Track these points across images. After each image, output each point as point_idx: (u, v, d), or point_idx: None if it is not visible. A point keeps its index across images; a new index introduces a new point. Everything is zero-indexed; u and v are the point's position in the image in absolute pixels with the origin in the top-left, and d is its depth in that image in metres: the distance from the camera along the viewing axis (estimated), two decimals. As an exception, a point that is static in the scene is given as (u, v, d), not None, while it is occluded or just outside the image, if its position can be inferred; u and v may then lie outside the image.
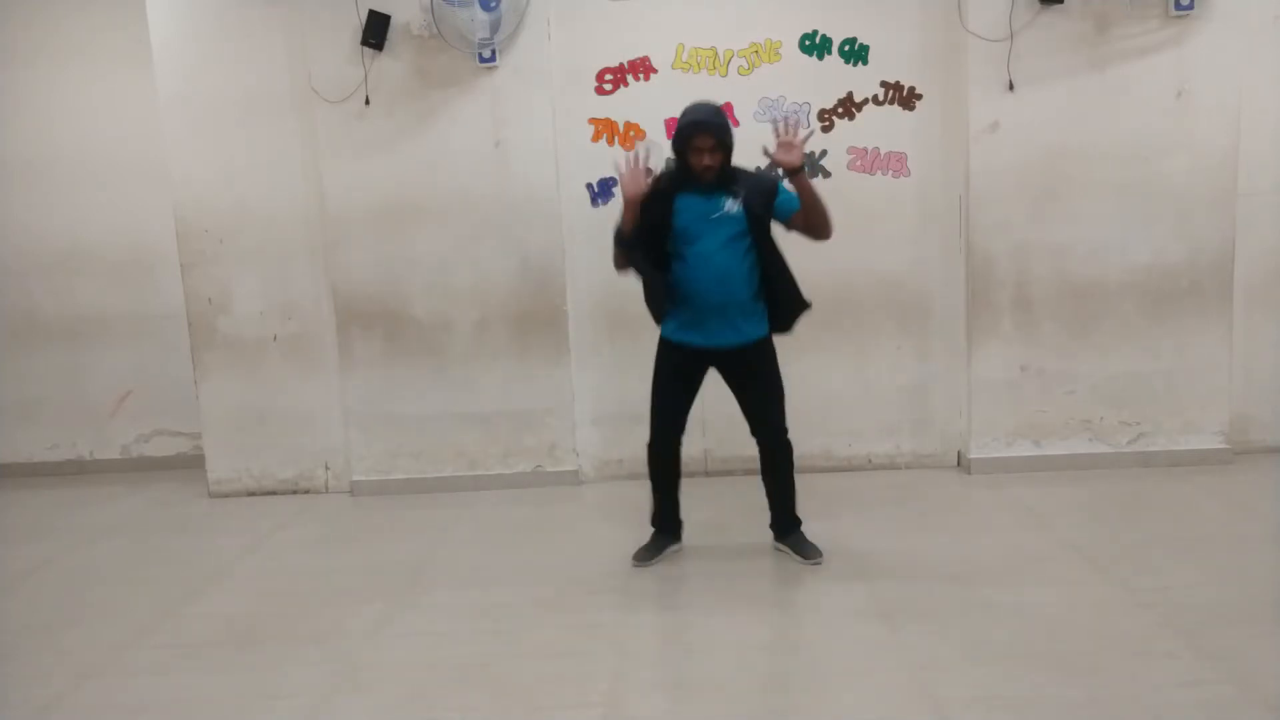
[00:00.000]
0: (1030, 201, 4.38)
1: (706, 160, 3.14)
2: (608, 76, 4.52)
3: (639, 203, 3.19)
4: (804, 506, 4.16)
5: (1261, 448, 4.63)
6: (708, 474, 4.66)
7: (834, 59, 4.48)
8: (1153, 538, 3.60)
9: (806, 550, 3.50)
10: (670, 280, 3.27)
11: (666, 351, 3.40)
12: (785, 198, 3.27)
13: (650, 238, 3.23)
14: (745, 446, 4.65)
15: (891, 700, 2.54)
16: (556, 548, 3.81)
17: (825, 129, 4.51)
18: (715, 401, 4.31)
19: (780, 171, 3.22)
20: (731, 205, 3.19)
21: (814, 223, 3.24)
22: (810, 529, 3.88)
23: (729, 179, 3.21)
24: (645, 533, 3.62)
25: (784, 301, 3.35)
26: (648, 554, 3.52)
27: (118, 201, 5.18)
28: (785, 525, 3.58)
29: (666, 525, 3.59)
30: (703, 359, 3.37)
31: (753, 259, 3.26)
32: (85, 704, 2.75)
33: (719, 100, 4.43)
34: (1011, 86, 4.31)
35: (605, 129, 4.54)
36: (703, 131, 3.12)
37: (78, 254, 5.25)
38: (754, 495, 4.32)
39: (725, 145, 3.17)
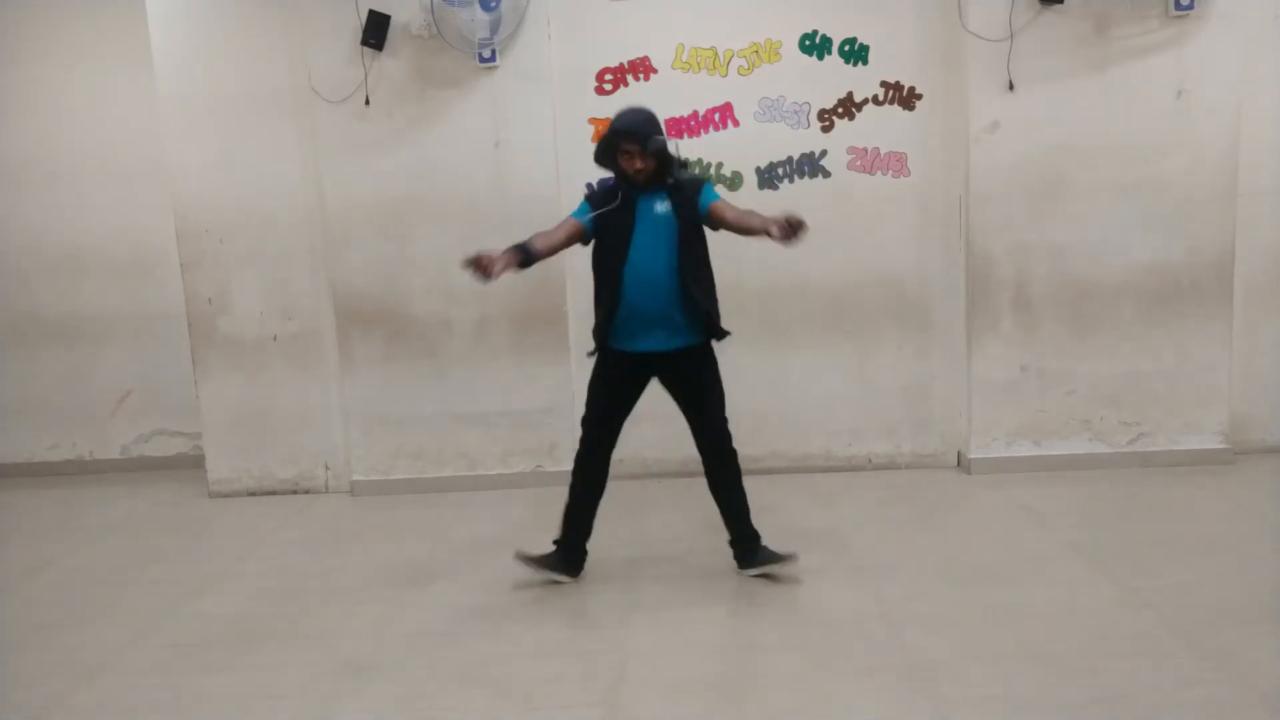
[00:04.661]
0: (1030, 201, 4.38)
1: (638, 164, 3.15)
2: (608, 76, 4.52)
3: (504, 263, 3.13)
4: (805, 506, 4.18)
5: (1261, 448, 4.63)
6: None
7: (834, 59, 4.49)
8: (1153, 538, 3.60)
9: (776, 556, 3.37)
10: (612, 293, 3.24)
11: (605, 360, 3.33)
12: (707, 195, 3.25)
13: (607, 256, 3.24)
14: (745, 446, 4.66)
15: (891, 700, 2.54)
16: (556, 548, 3.81)
17: (825, 129, 4.52)
18: (715, 401, 4.31)
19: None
20: (661, 206, 3.21)
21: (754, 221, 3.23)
22: (811, 529, 3.88)
23: (664, 182, 3.21)
24: (643, 530, 3.60)
25: (697, 316, 3.26)
26: (530, 561, 3.40)
27: (118, 201, 5.19)
28: (747, 546, 3.40)
29: (570, 550, 3.42)
30: (644, 366, 3.31)
31: (685, 265, 3.21)
32: (85, 704, 2.75)
33: (719, 100, 4.50)
34: (1011, 86, 4.32)
35: (605, 129, 4.53)
36: (627, 139, 3.14)
37: (79, 254, 5.25)
38: (754, 495, 4.31)
39: (654, 153, 3.14)
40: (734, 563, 3.44)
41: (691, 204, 3.22)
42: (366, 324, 4.62)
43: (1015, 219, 4.39)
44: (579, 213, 3.30)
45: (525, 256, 3.14)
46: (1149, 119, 4.31)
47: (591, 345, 3.36)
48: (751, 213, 3.25)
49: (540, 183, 4.50)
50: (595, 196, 3.32)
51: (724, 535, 3.80)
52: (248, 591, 3.55)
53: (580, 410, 4.50)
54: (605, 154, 3.23)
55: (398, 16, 4.38)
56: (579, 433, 4.66)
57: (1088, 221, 4.37)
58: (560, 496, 4.46)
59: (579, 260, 4.51)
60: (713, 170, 4.54)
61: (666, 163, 3.19)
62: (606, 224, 3.23)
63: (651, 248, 3.20)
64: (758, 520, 3.41)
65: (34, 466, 5.41)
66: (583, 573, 3.45)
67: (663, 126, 3.23)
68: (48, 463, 5.42)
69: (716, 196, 3.28)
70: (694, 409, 3.36)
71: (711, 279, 3.33)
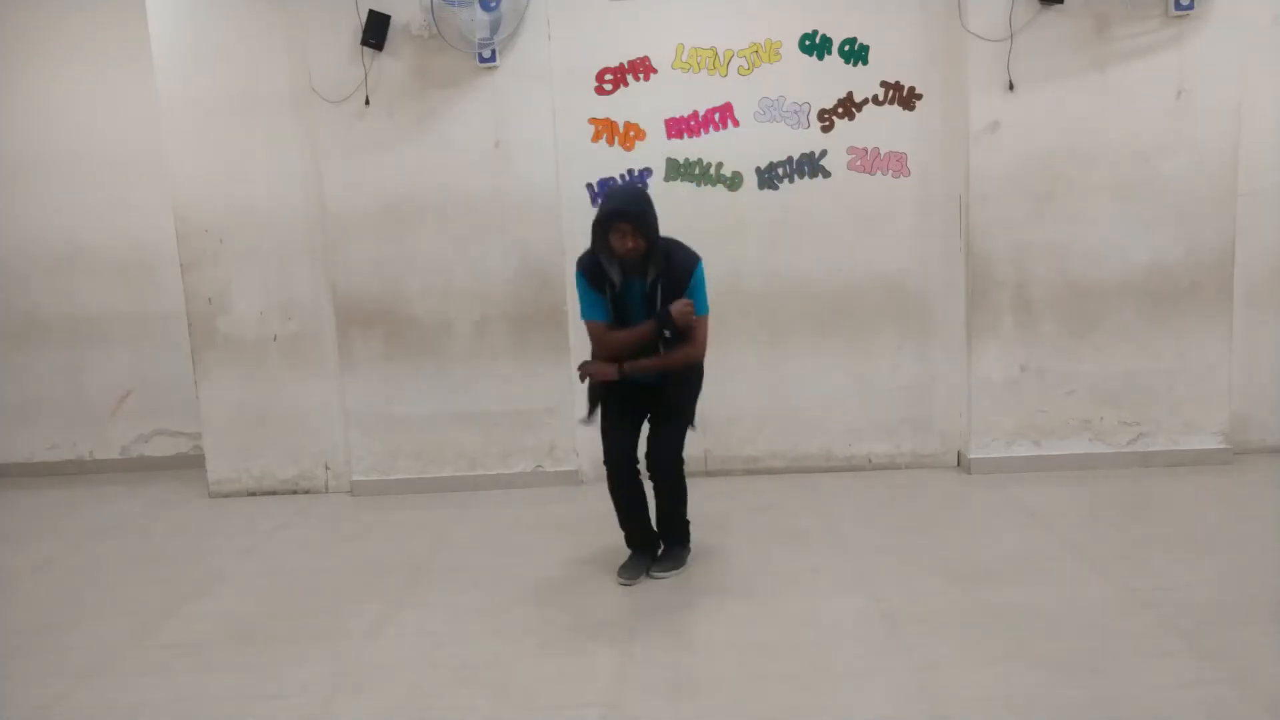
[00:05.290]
0: (1030, 201, 4.38)
1: (630, 244, 3.14)
2: (608, 76, 4.52)
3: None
4: (805, 506, 4.19)
5: (1261, 448, 4.63)
6: (708, 474, 4.65)
7: (834, 59, 4.48)
8: (1153, 538, 3.60)
9: (664, 563, 3.47)
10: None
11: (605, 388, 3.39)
12: (693, 295, 3.24)
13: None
14: (745, 446, 4.70)
15: (891, 700, 2.54)
16: (556, 548, 3.81)
17: (825, 129, 4.52)
18: (715, 402, 4.33)
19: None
20: (649, 281, 3.23)
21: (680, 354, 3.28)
22: (811, 529, 3.89)
23: (655, 260, 3.20)
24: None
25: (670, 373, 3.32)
26: (630, 572, 3.46)
27: (118, 201, 5.19)
28: (667, 550, 3.52)
29: (640, 545, 3.51)
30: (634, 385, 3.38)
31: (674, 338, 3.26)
32: (85, 704, 2.74)
33: (719, 100, 4.50)
34: (1011, 86, 4.32)
35: (605, 129, 4.54)
36: (620, 220, 3.13)
37: (78, 254, 5.25)
38: (754, 495, 4.35)
39: (645, 232, 3.14)
40: (729, 565, 3.44)
41: (679, 289, 3.21)
42: (366, 324, 4.62)
43: (1015, 219, 4.39)
44: (592, 310, 3.30)
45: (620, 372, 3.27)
46: (1149, 119, 4.31)
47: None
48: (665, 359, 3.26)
49: (540, 183, 4.50)
50: (589, 271, 3.27)
51: (723, 535, 3.81)
52: (248, 591, 3.55)
53: (579, 410, 4.53)
54: (599, 234, 3.20)
55: (398, 16, 4.38)
56: (579, 433, 4.69)
57: (1088, 222, 4.37)
58: (561, 496, 4.50)
59: (579, 260, 4.53)
60: (712, 170, 4.54)
61: (656, 247, 3.19)
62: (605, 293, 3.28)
63: (638, 319, 3.27)
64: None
65: (34, 466, 5.41)
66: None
67: (654, 205, 3.21)
68: (48, 463, 5.42)
69: (700, 311, 3.25)
70: (655, 419, 3.40)
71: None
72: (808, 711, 2.51)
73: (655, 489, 3.46)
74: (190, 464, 5.19)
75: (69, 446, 5.42)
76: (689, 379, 3.39)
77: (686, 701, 2.58)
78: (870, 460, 4.69)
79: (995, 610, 3.02)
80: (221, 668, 2.92)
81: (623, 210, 3.13)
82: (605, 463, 3.40)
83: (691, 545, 3.58)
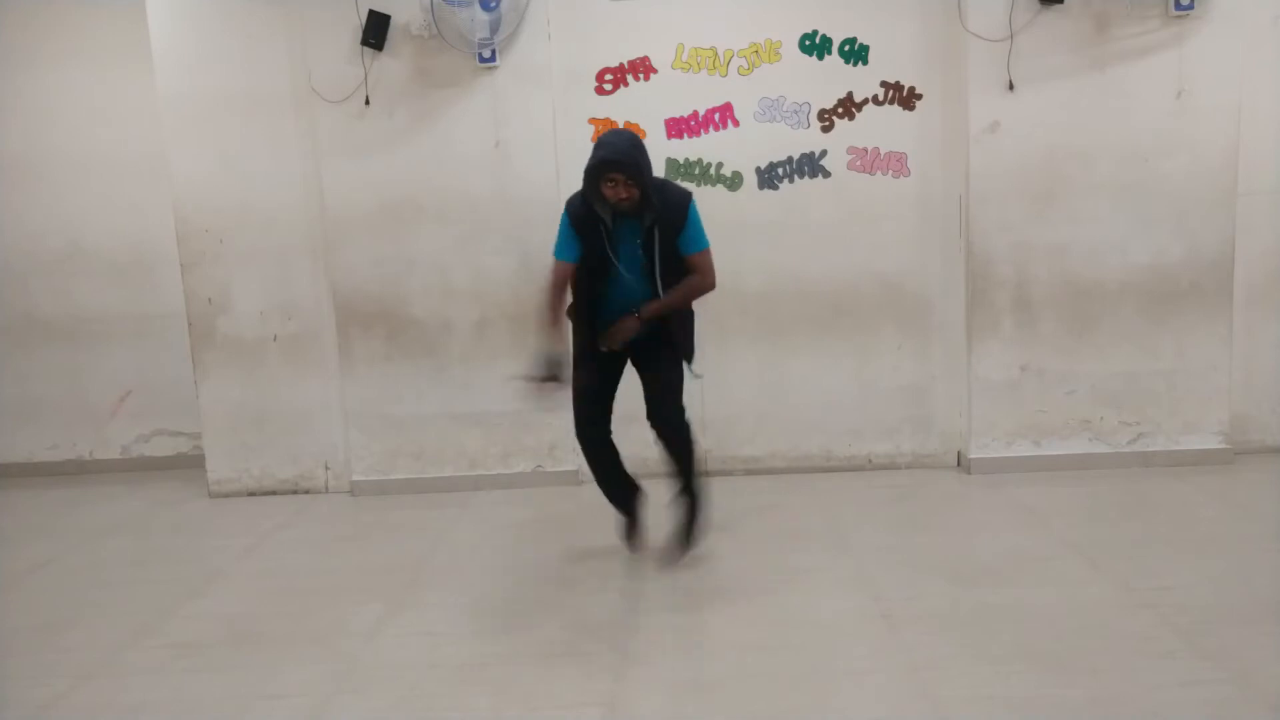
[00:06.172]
0: (1030, 201, 4.38)
1: (623, 193, 3.13)
2: (608, 76, 4.52)
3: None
4: (805, 506, 4.19)
5: (1261, 448, 4.63)
6: (708, 474, 4.64)
7: (834, 59, 4.49)
8: (1153, 538, 3.60)
9: (683, 537, 3.48)
10: (593, 305, 3.36)
11: (580, 342, 3.41)
12: (689, 235, 3.25)
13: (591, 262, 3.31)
14: (745, 446, 4.70)
15: (891, 700, 2.54)
16: (556, 547, 3.81)
17: (825, 129, 4.52)
18: (715, 402, 4.34)
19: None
20: (643, 222, 3.24)
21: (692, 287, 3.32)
22: (811, 528, 3.89)
23: (648, 205, 3.19)
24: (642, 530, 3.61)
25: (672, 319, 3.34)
26: (632, 536, 3.52)
27: (118, 201, 5.19)
28: (687, 516, 3.51)
29: (630, 505, 3.55)
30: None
31: (665, 276, 3.28)
32: (85, 704, 2.74)
33: (719, 100, 4.50)
34: (1011, 86, 4.32)
35: (605, 129, 4.54)
36: (613, 170, 3.11)
37: (78, 254, 5.25)
38: (754, 495, 4.35)
39: (638, 181, 3.13)
40: (729, 565, 3.46)
41: (675, 228, 3.22)
42: (366, 324, 4.61)
43: (1015, 219, 4.39)
44: (565, 250, 3.32)
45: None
46: (1149, 119, 4.31)
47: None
48: (681, 292, 3.29)
49: (540, 183, 4.50)
50: (575, 214, 3.27)
51: (723, 535, 3.81)
52: (248, 591, 3.55)
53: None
54: (590, 182, 3.18)
55: (398, 16, 4.38)
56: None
57: (1088, 221, 4.37)
58: (561, 496, 4.50)
59: (579, 260, 4.52)
60: (712, 170, 4.54)
61: (649, 194, 3.18)
62: (589, 248, 3.27)
63: (632, 261, 3.27)
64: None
65: (34, 466, 5.41)
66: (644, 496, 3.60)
67: (647, 152, 3.21)
68: (48, 463, 5.41)
69: (703, 245, 3.28)
70: (648, 370, 3.38)
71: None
72: (808, 711, 2.51)
73: (667, 448, 3.40)
74: (190, 464, 5.19)
75: (69, 446, 5.42)
76: (685, 315, 3.40)
77: (686, 701, 2.58)
78: (870, 460, 4.69)
79: (995, 610, 3.03)
80: (221, 668, 2.92)
81: (614, 160, 3.09)
82: (576, 421, 3.39)
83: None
